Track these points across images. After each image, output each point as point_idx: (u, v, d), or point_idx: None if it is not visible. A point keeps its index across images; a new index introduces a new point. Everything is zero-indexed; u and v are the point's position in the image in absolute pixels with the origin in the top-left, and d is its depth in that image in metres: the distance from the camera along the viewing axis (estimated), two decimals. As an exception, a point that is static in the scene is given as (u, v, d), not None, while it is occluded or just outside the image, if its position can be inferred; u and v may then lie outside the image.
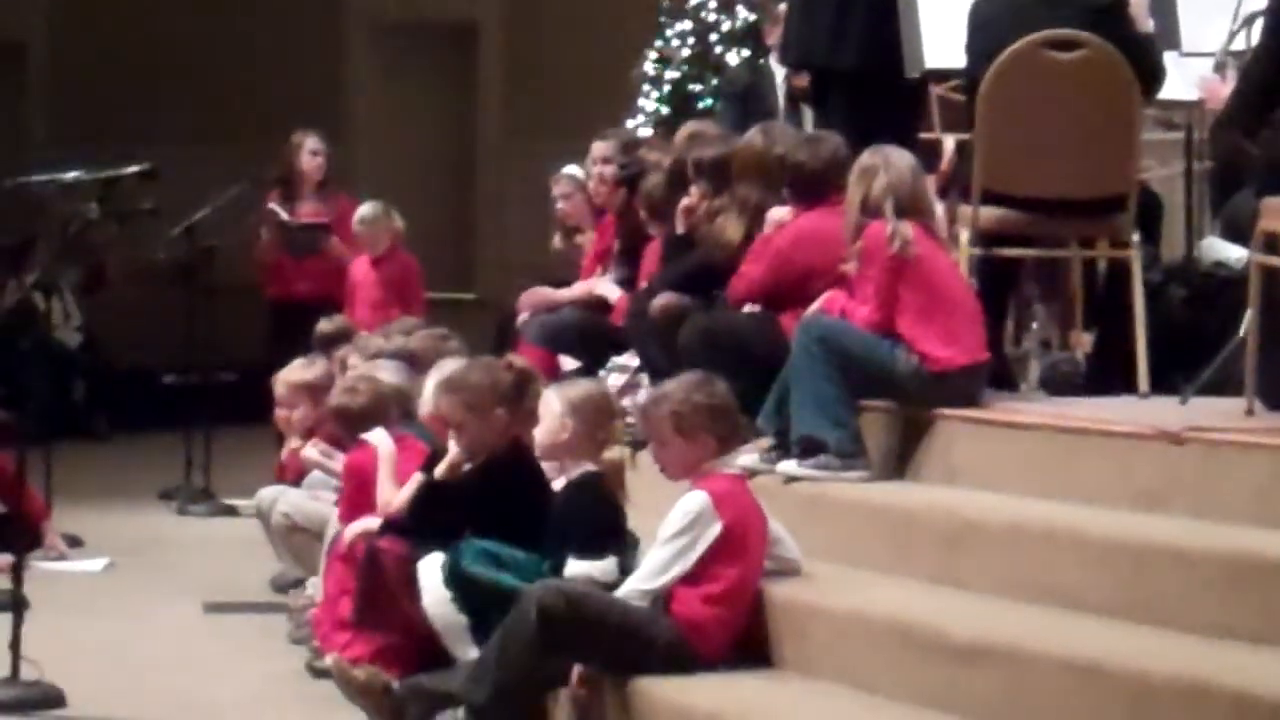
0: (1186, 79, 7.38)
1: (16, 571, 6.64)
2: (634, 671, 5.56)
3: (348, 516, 6.88)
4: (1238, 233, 6.75)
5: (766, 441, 6.52)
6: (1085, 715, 4.75)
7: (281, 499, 7.80)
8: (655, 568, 5.64)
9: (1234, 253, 6.99)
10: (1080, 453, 5.85)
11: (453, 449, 6.32)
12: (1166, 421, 5.72)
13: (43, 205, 9.73)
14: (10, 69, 15.97)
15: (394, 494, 6.59)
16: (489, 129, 15.63)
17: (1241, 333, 6.03)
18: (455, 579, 5.98)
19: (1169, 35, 7.46)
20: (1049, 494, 5.83)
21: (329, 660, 6.38)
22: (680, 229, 7.71)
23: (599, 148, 9.06)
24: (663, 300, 7.39)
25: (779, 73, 9.97)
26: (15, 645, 6.42)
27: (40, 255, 12.41)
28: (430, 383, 6.99)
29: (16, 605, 6.50)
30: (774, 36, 9.92)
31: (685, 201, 7.68)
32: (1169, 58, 7.23)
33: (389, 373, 7.34)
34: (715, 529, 5.62)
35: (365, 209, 10.66)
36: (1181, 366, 6.48)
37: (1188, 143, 8.00)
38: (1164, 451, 5.57)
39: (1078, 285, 7.34)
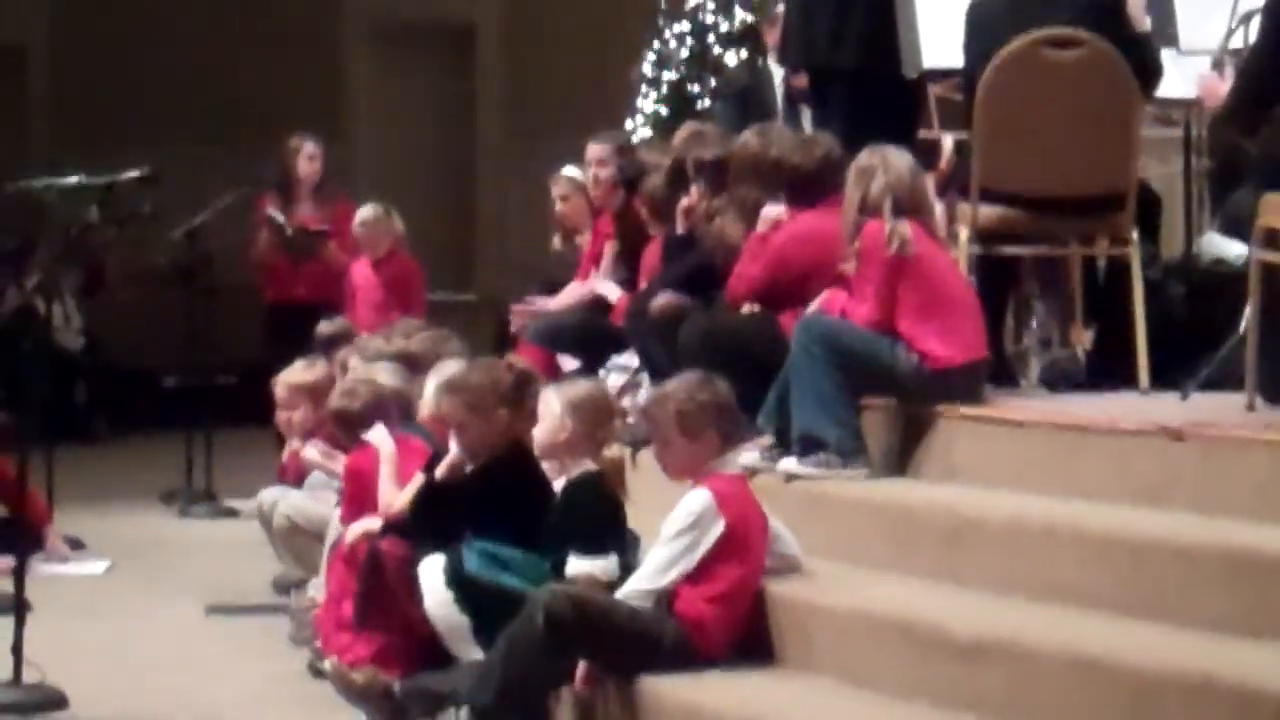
0: (1185, 76, 7.39)
1: (18, 574, 6.64)
2: (638, 671, 5.56)
3: (349, 518, 6.88)
4: (1237, 229, 6.76)
5: (767, 440, 6.52)
6: (1086, 711, 4.75)
7: (283, 500, 7.81)
8: (659, 567, 5.64)
9: (1233, 249, 7.00)
10: (1081, 449, 5.85)
11: (453, 450, 6.32)
12: (1167, 418, 5.72)
13: (43, 209, 9.72)
14: (11, 73, 15.98)
15: (396, 495, 6.59)
16: (488, 130, 15.65)
17: (1241, 329, 6.03)
18: (457, 581, 5.99)
19: (1167, 33, 7.48)
20: (1049, 490, 5.83)
21: (329, 664, 6.38)
22: (680, 229, 7.72)
23: (594, 149, 9.07)
24: (662, 300, 7.39)
25: (777, 73, 9.99)
26: (17, 647, 6.43)
27: (41, 259, 12.41)
28: (430, 384, 7.00)
29: (19, 607, 6.51)
30: (772, 37, 9.94)
31: (685, 201, 7.69)
32: (1167, 55, 7.24)
33: (388, 375, 7.34)
34: (718, 528, 5.62)
35: (366, 211, 10.66)
36: (1182, 363, 6.48)
37: (1186, 140, 8.01)
38: (1164, 447, 5.57)
39: (1077, 282, 7.35)
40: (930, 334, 6.31)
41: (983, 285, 6.84)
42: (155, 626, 7.84)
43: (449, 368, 6.90)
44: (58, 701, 6.45)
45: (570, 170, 9.45)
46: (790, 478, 6.30)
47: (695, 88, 12.11)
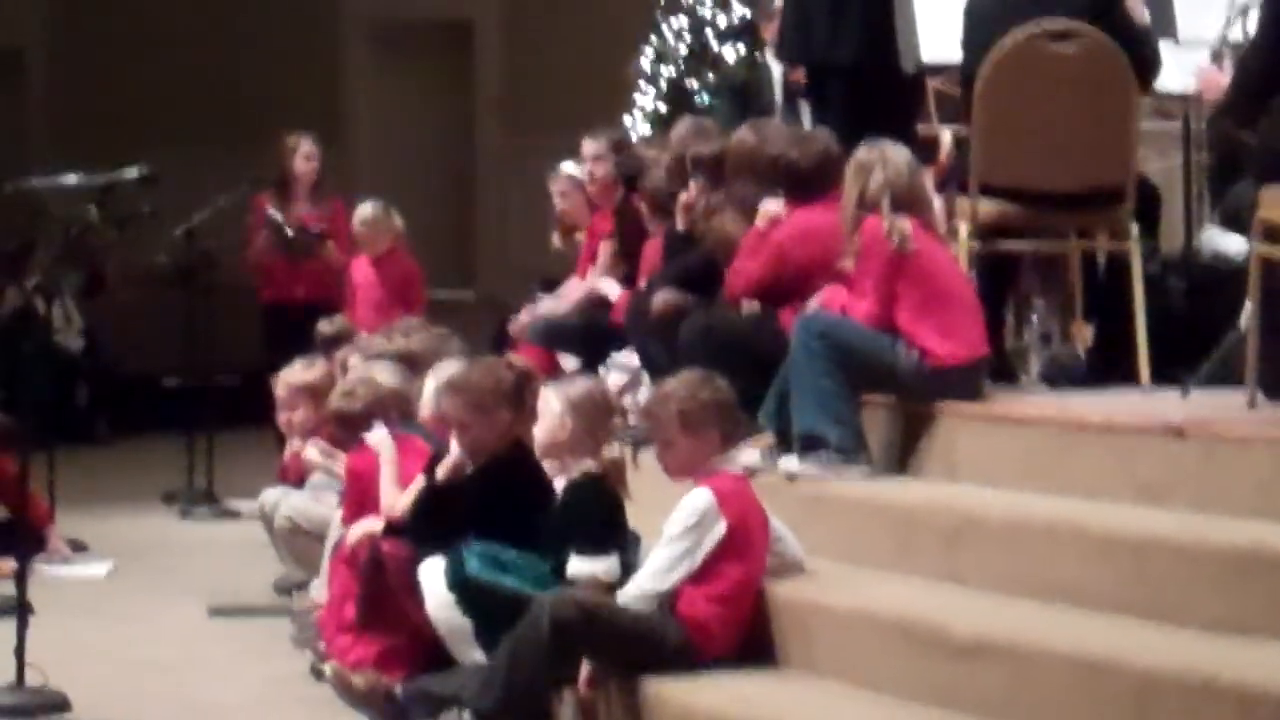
0: (1183, 69, 7.38)
1: (20, 576, 6.63)
2: (642, 673, 5.56)
3: (350, 519, 6.87)
4: (1237, 223, 6.74)
5: (767, 439, 6.52)
6: (1088, 711, 4.75)
7: (284, 502, 7.79)
8: (661, 567, 5.64)
9: (1234, 244, 6.98)
10: (1081, 446, 5.84)
11: (454, 450, 6.32)
12: (1168, 414, 5.72)
13: (43, 209, 9.72)
14: (9, 73, 15.97)
15: (397, 496, 6.58)
16: (487, 128, 15.63)
17: (1242, 324, 6.02)
18: (458, 583, 5.98)
19: (1165, 25, 7.48)
20: (1050, 488, 5.83)
21: (328, 668, 6.37)
22: (680, 225, 7.71)
23: (589, 146, 9.06)
24: (663, 298, 7.38)
25: (776, 68, 9.97)
26: (19, 650, 6.42)
27: (40, 259, 12.40)
28: (429, 385, 6.99)
29: (21, 610, 6.50)
30: (771, 32, 9.93)
31: (684, 197, 7.67)
32: (1165, 48, 7.23)
33: (387, 374, 7.33)
34: (720, 528, 5.61)
35: (366, 209, 10.65)
36: (1182, 359, 6.47)
37: (1185, 133, 8.00)
38: (1165, 445, 5.56)
39: (1077, 278, 7.33)
40: (930, 331, 6.30)
41: (983, 281, 6.83)
42: (157, 628, 7.83)
43: (447, 368, 6.89)
44: (60, 704, 6.44)
45: (569, 167, 9.44)
46: (791, 477, 6.30)
47: (694, 83, 12.09)
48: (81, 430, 13.29)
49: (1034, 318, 7.74)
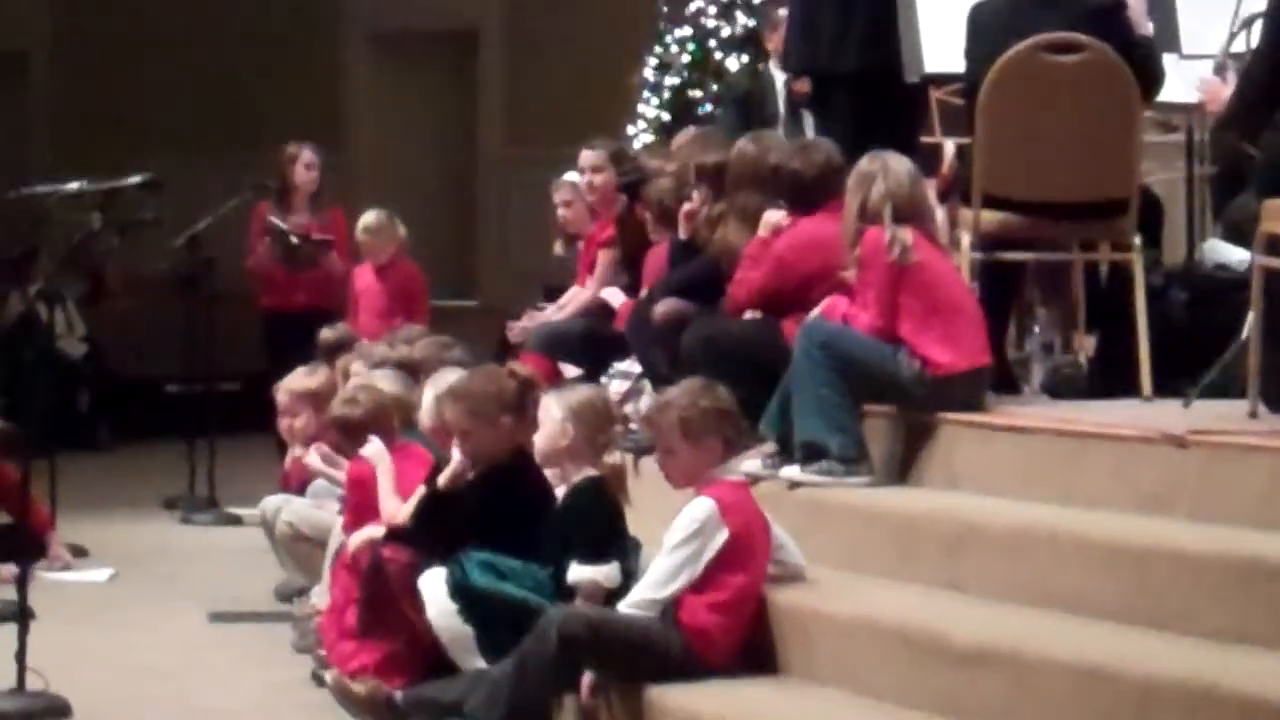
0: (1187, 81, 7.38)
1: (21, 582, 6.64)
2: (645, 682, 5.57)
3: (352, 525, 6.87)
4: (1239, 235, 6.74)
5: (769, 447, 6.52)
6: (1089, 719, 4.75)
7: (285, 508, 7.80)
8: (663, 576, 5.64)
9: (1236, 255, 6.98)
10: (1083, 456, 5.84)
11: (456, 458, 6.32)
12: (1170, 424, 5.71)
13: (45, 216, 9.72)
14: (12, 79, 15.99)
15: (397, 507, 6.58)
16: (489, 136, 15.64)
17: (1244, 335, 6.02)
18: (459, 591, 5.98)
19: (1169, 37, 7.46)
20: (1052, 498, 5.83)
21: (328, 677, 6.37)
22: (683, 234, 7.71)
23: (588, 156, 9.06)
24: (664, 306, 7.39)
25: (779, 78, 9.98)
26: (21, 656, 6.43)
27: (43, 266, 12.41)
28: (429, 393, 6.99)
29: (22, 615, 6.51)
30: (774, 42, 9.94)
31: (687, 207, 7.68)
32: (1169, 60, 7.23)
33: (388, 381, 7.34)
34: (722, 536, 5.62)
35: (369, 217, 10.65)
36: (1184, 369, 6.47)
37: (1188, 145, 8.00)
38: (1167, 455, 5.57)
39: (1079, 288, 7.34)
40: (932, 341, 6.30)
41: (985, 291, 6.84)
42: (158, 634, 7.83)
43: (446, 376, 6.90)
44: (61, 709, 6.45)
45: (572, 176, 9.44)
46: (793, 485, 6.30)
47: (697, 93, 12.11)
48: (83, 436, 13.28)
49: (1036, 328, 7.74)
